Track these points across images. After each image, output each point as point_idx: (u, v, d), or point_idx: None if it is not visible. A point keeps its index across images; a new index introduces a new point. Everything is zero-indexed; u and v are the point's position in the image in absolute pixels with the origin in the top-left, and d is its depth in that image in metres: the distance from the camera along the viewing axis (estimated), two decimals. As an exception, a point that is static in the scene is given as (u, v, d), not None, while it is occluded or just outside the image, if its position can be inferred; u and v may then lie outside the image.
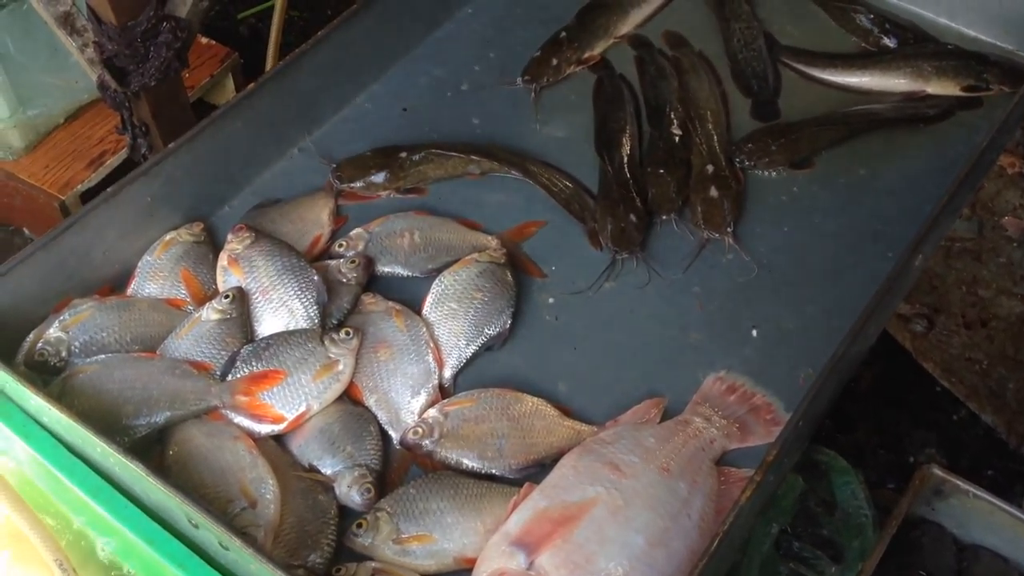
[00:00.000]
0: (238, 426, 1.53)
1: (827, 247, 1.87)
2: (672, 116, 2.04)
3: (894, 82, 2.13)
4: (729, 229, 1.86)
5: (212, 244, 1.78)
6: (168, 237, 1.75)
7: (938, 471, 1.42)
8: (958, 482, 1.41)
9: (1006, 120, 1.84)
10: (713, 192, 1.90)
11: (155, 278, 1.70)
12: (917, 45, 2.18)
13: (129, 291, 1.70)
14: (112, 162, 2.43)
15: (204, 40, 2.66)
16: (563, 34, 2.16)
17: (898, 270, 1.61)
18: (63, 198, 2.37)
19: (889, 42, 2.20)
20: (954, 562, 1.45)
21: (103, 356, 1.56)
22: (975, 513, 1.44)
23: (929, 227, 1.66)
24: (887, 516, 2.00)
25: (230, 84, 2.68)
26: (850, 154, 2.01)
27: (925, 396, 2.58)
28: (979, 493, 1.41)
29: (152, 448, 1.51)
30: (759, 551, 1.90)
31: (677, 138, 2.01)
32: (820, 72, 2.16)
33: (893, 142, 2.03)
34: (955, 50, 2.15)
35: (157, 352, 1.60)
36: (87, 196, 2.38)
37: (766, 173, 1.98)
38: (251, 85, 1.82)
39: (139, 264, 1.72)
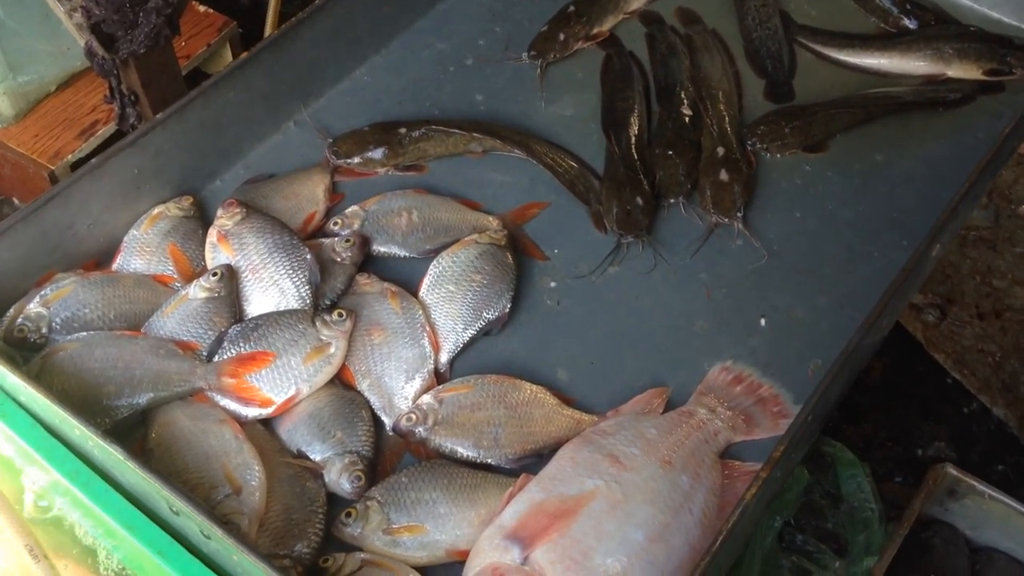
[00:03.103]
0: (224, 409, 1.49)
1: (840, 234, 1.82)
2: (682, 96, 1.99)
3: (914, 65, 2.08)
4: (739, 214, 1.81)
5: (201, 219, 1.74)
6: (156, 211, 1.71)
7: (952, 470, 1.37)
8: (974, 483, 1.36)
9: (1031, 106, 1.78)
10: (723, 175, 1.85)
11: (142, 253, 1.66)
12: (938, 27, 2.13)
13: (114, 266, 1.66)
14: (104, 132, 2.38)
15: (201, 8, 2.60)
16: (571, 8, 2.11)
17: (915, 261, 1.56)
18: (53, 168, 2.32)
19: (909, 23, 2.15)
20: (967, 565, 1.39)
21: (85, 333, 1.52)
22: (990, 515, 1.39)
23: (948, 216, 1.61)
24: (894, 510, 1.96)
25: (228, 55, 2.62)
26: (866, 139, 1.96)
27: (935, 388, 2.54)
28: (995, 495, 1.35)
29: (134, 430, 1.47)
30: (762, 545, 1.86)
31: (687, 119, 1.95)
32: (837, 53, 2.11)
33: (911, 127, 1.98)
34: (977, 32, 2.09)
35: (142, 330, 1.56)
36: (78, 167, 2.32)
37: (778, 156, 1.93)
38: (245, 54, 1.77)
39: (125, 238, 1.68)
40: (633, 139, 1.91)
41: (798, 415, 1.40)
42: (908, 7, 2.15)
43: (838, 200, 1.87)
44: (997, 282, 2.62)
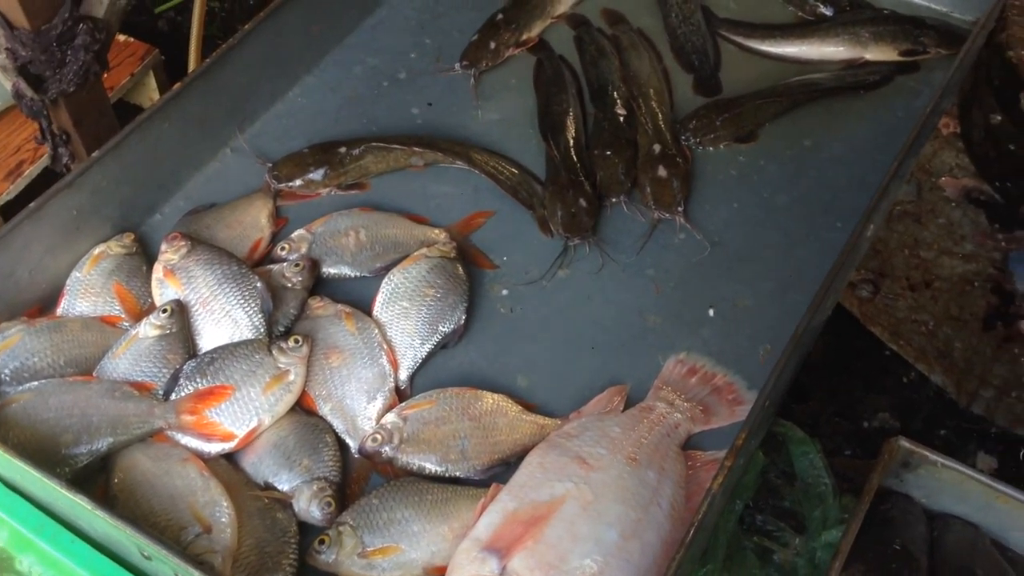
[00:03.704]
0: (186, 447, 1.47)
1: (777, 220, 1.86)
2: (615, 96, 2.01)
3: (833, 50, 2.13)
4: (680, 208, 1.85)
5: (145, 255, 1.72)
6: (97, 251, 1.68)
7: (906, 443, 1.41)
8: (926, 453, 1.41)
9: (948, 84, 1.85)
10: (661, 172, 1.88)
11: (86, 295, 1.63)
12: (853, 12, 2.19)
13: (59, 311, 1.63)
14: (31, 171, 2.31)
15: (122, 38, 2.55)
16: (499, 16, 2.12)
17: (853, 242, 1.61)
18: (-19, 212, 2.25)
19: (826, 10, 2.20)
20: (926, 532, 1.45)
21: (36, 383, 1.48)
22: (943, 483, 1.44)
23: (880, 196, 1.66)
24: (846, 483, 2.02)
25: (152, 82, 2.57)
26: (794, 125, 2.01)
27: (875, 361, 2.60)
28: (947, 463, 1.40)
29: (96, 477, 1.44)
30: (725, 530, 1.89)
31: (622, 118, 1.98)
32: (759, 44, 2.16)
33: (835, 111, 2.03)
34: (891, 15, 2.16)
35: (94, 374, 1.53)
36: (7, 209, 2.26)
37: (711, 149, 1.97)
38: (177, 85, 1.74)
39: (68, 281, 1.65)
40: (571, 142, 1.93)
41: (756, 401, 1.43)
42: (824, -6, 2.21)
43: (772, 187, 1.91)
44: (924, 253, 2.69)
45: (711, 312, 1.73)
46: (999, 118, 2.60)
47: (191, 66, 2.51)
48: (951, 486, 1.43)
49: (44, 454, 1.38)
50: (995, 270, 2.53)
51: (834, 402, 2.55)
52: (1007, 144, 2.59)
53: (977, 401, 2.49)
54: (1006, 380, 2.46)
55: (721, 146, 1.97)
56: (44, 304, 1.64)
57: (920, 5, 2.19)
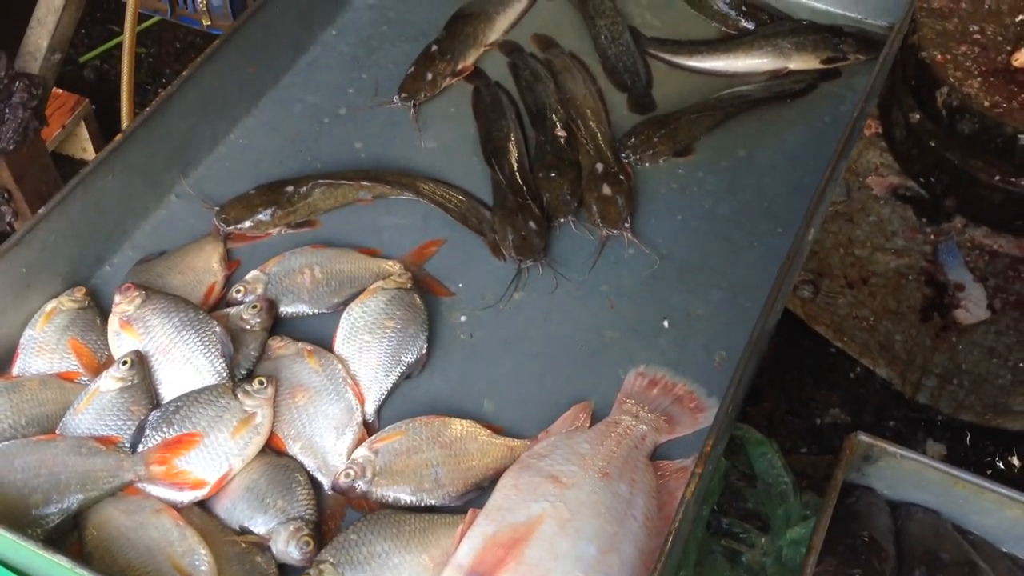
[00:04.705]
0: (158, 498, 1.45)
1: (720, 230, 1.91)
2: (554, 118, 2.05)
3: (758, 62, 2.20)
4: (626, 224, 1.88)
5: (98, 308, 1.69)
6: (49, 307, 1.65)
7: (865, 438, 1.47)
8: (886, 446, 1.46)
9: (871, 87, 1.92)
10: (606, 190, 1.91)
11: (41, 353, 1.60)
12: (774, 24, 2.26)
13: (15, 371, 1.60)
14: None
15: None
16: (434, 48, 2.14)
17: (796, 247, 1.66)
18: (-84, 276, 2.19)
19: (747, 24, 2.27)
20: (890, 521, 1.50)
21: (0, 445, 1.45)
22: (903, 473, 1.49)
23: (819, 200, 1.72)
24: (805, 480, 2.07)
25: (84, 133, 2.54)
26: (728, 137, 2.06)
27: (822, 359, 2.68)
28: (906, 454, 1.46)
29: (68, 536, 1.41)
30: (695, 536, 1.93)
31: (563, 140, 2.01)
32: (687, 60, 2.21)
33: (765, 120, 2.10)
34: (810, 25, 2.23)
35: (57, 432, 1.50)
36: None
37: (649, 165, 2.01)
38: (119, 136, 1.72)
39: (21, 340, 1.62)
40: (515, 166, 1.96)
41: (720, 407, 1.46)
42: (744, 9, 2.27)
43: (713, 198, 1.96)
44: (859, 251, 2.78)
45: (666, 323, 1.76)
46: (918, 116, 2.69)
47: (124, 113, 2.49)
48: (911, 476, 1.49)
49: (14, 516, 1.35)
50: (927, 263, 2.63)
51: (787, 402, 2.61)
52: (927, 141, 2.68)
53: (922, 391, 2.58)
54: (946, 368, 2.55)
55: (660, 161, 2.01)
56: (-2, 365, 1.61)
57: (836, 14, 2.27)
